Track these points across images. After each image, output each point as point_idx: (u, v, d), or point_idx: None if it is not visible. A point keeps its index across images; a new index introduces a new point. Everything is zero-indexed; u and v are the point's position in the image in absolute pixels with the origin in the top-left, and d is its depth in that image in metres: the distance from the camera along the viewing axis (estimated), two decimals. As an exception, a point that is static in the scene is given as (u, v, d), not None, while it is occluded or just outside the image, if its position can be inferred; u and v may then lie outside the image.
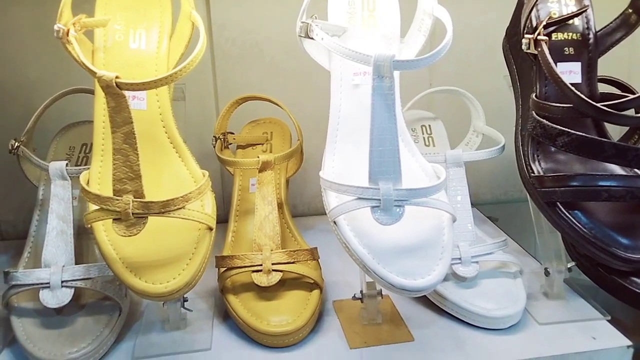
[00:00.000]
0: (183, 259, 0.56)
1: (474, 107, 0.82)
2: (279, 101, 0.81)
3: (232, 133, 0.84)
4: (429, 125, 0.85)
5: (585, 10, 0.65)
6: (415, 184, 0.58)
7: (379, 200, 0.55)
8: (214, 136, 0.81)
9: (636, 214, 0.62)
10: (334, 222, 0.58)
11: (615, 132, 0.71)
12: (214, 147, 0.80)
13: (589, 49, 0.66)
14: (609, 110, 0.58)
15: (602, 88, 0.69)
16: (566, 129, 0.59)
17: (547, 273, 0.69)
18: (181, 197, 0.55)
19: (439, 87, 0.82)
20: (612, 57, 0.69)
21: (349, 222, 0.57)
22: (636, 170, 0.63)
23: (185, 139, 0.74)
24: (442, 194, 0.60)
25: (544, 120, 0.61)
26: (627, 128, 0.73)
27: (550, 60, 0.60)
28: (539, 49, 0.61)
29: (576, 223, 0.60)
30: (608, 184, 0.59)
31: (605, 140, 0.58)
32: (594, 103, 0.58)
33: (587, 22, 0.66)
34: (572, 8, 0.67)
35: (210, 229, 0.59)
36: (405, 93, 0.68)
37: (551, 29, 0.65)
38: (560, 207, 0.61)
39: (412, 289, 0.53)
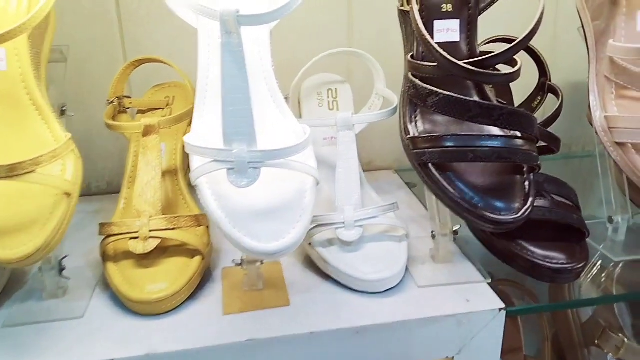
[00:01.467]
0: (36, 224, 0.55)
1: (375, 69, 0.81)
2: (173, 63, 0.79)
3: (129, 97, 0.82)
4: (336, 89, 0.83)
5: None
6: (282, 145, 0.57)
7: (233, 162, 0.53)
8: (107, 100, 0.79)
9: (510, 175, 0.61)
10: (196, 186, 0.56)
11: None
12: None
13: (469, 6, 0.64)
14: (473, 68, 0.56)
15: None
16: (435, 89, 0.58)
17: (433, 236, 0.68)
18: (30, 160, 0.54)
19: (338, 49, 0.80)
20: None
21: (211, 185, 0.56)
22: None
23: (65, 103, 0.72)
24: (309, 156, 0.58)
25: (417, 80, 0.60)
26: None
27: (417, 17, 0.58)
28: (410, 6, 0.60)
29: (446, 185, 0.59)
30: (475, 144, 0.58)
31: (471, 99, 0.57)
32: (456, 61, 0.57)
33: (469, -22, 0.64)
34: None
35: (68, 194, 0.58)
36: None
37: (428, -15, 0.63)
38: (432, 168, 0.60)
39: (265, 252, 0.52)
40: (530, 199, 0.59)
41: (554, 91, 0.77)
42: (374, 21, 0.93)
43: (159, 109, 0.84)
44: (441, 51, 0.57)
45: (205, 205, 0.55)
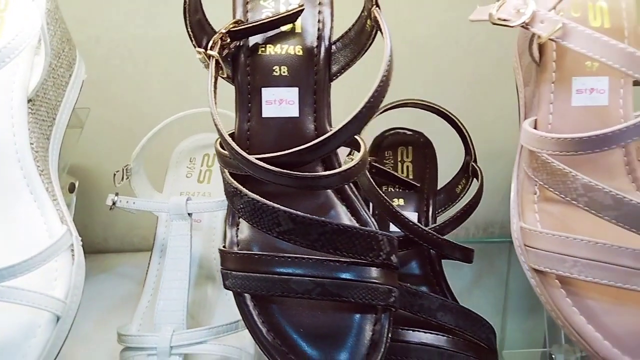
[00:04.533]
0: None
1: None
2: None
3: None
4: (214, 155, 0.66)
5: (297, 13, 0.44)
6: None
7: None
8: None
9: (351, 314, 0.42)
10: None
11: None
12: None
13: (314, 69, 0.45)
14: (268, 167, 0.38)
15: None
16: (240, 188, 0.40)
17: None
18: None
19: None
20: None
21: None
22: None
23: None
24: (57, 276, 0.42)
25: (225, 173, 0.42)
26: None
27: (210, 84, 0.41)
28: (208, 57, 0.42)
29: (255, 321, 0.41)
30: (290, 270, 0.39)
31: (281, 208, 0.38)
32: (244, 154, 0.38)
33: (321, 30, 0.46)
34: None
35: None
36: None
37: (259, 39, 0.45)
38: (246, 296, 0.42)
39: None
40: (380, 352, 0.40)
41: (475, 174, 0.57)
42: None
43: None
44: (227, 138, 0.39)
45: None
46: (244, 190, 0.40)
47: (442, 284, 0.57)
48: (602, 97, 0.45)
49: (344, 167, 0.41)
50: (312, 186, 0.41)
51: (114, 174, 0.59)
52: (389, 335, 0.42)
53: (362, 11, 0.45)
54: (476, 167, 0.57)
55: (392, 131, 0.66)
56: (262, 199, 0.40)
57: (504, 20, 0.42)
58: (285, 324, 0.41)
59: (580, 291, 0.43)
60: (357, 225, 0.45)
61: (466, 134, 0.58)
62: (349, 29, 0.46)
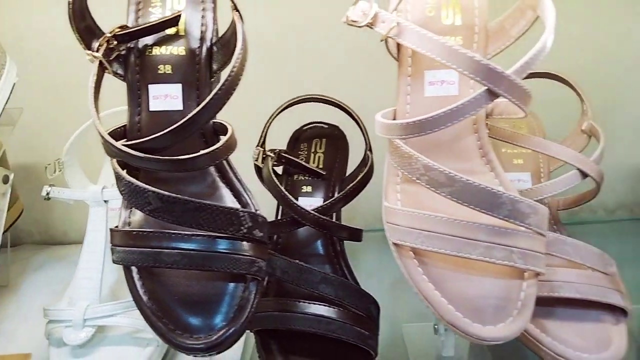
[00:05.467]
0: None
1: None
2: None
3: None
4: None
5: (176, 18, 0.50)
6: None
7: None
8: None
9: (224, 282, 0.47)
10: None
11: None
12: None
13: (196, 67, 0.51)
14: (127, 150, 0.44)
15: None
16: (120, 172, 0.46)
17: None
18: None
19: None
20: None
21: None
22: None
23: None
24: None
25: (113, 161, 0.48)
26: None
27: (91, 81, 0.47)
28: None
29: (138, 291, 0.47)
30: (163, 244, 0.45)
31: (151, 189, 0.44)
32: (109, 139, 0.45)
33: (204, 32, 0.52)
34: (185, 13, 0.52)
35: None
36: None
37: (149, 41, 0.51)
38: (133, 270, 0.48)
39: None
40: (244, 316, 0.46)
41: (365, 161, 0.62)
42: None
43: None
44: (100, 130, 0.45)
45: None
46: (123, 173, 0.46)
47: (341, 263, 0.62)
48: (453, 88, 0.50)
49: (209, 149, 0.46)
50: (185, 168, 0.46)
51: (46, 167, 0.65)
52: (256, 301, 0.47)
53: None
54: (367, 154, 0.63)
55: (311, 125, 0.72)
56: (136, 181, 0.45)
57: (354, 21, 0.48)
58: (162, 292, 0.47)
59: (429, 261, 0.48)
60: (237, 206, 0.51)
61: (361, 124, 0.64)
62: (226, 31, 0.51)
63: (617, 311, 0.55)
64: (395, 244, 0.50)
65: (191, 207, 0.44)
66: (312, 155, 0.70)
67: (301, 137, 0.71)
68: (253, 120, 0.65)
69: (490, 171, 0.52)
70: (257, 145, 0.64)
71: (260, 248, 0.48)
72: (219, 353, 0.46)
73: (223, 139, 0.47)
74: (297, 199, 0.65)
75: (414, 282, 0.48)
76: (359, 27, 0.47)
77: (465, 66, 0.43)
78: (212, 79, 0.52)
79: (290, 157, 0.66)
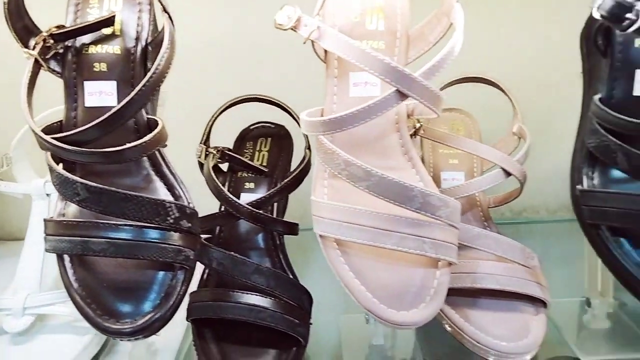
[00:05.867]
0: None
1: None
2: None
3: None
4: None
5: (110, 18, 0.52)
6: None
7: None
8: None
9: (153, 270, 0.50)
10: None
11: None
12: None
13: (131, 65, 0.53)
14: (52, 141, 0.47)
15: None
16: (52, 164, 0.48)
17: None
18: None
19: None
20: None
21: None
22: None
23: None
24: None
25: (47, 154, 0.50)
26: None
27: (25, 78, 0.49)
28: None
29: (69, 278, 0.49)
30: (92, 233, 0.47)
31: (78, 180, 0.46)
32: (41, 134, 0.47)
33: (139, 33, 0.54)
34: (122, 14, 0.55)
35: None
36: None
37: (86, 40, 0.53)
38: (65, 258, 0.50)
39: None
40: (170, 303, 0.48)
41: (304, 159, 0.65)
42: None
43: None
44: (32, 124, 0.48)
45: None
46: (54, 165, 0.48)
47: (280, 256, 0.65)
48: (375, 89, 0.53)
49: (137, 142, 0.48)
50: (113, 160, 0.49)
51: None
52: (183, 289, 0.49)
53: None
54: (306, 152, 0.65)
55: (257, 124, 0.75)
56: (65, 172, 0.48)
57: (280, 24, 0.50)
58: (92, 280, 0.49)
59: (351, 251, 0.51)
60: (170, 199, 0.53)
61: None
62: (160, 32, 0.54)
63: (538, 302, 0.58)
64: (320, 236, 0.52)
65: (118, 198, 0.47)
66: (257, 153, 0.72)
67: (247, 136, 0.74)
68: (204, 120, 0.67)
69: (411, 168, 0.54)
70: (200, 143, 0.67)
71: (189, 238, 0.50)
72: (145, 337, 0.48)
73: (152, 132, 0.49)
74: (239, 195, 0.67)
75: (336, 271, 0.51)
76: (284, 30, 0.50)
77: (376, 68, 0.46)
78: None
79: (232, 154, 0.68)
